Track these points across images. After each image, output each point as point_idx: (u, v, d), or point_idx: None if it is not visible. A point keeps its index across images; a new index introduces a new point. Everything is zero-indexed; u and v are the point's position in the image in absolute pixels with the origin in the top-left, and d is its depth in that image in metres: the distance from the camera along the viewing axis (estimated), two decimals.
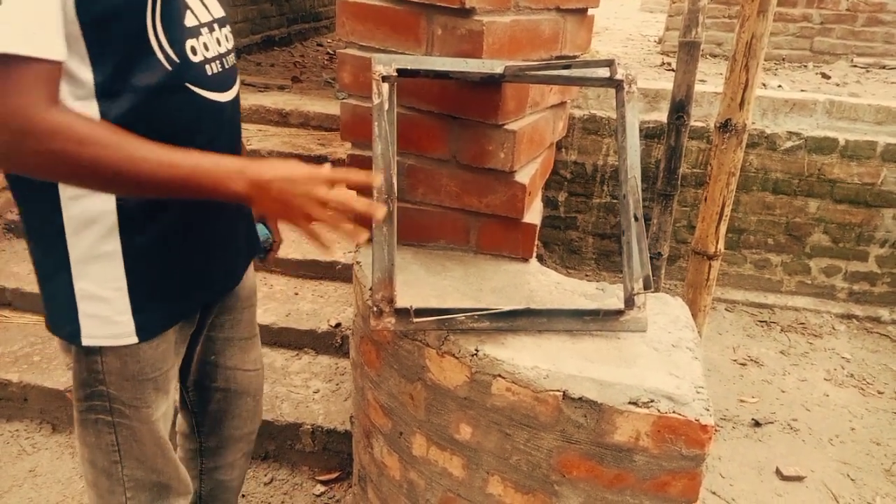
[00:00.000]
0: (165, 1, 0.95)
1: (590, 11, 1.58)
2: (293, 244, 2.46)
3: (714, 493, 2.14)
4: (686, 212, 3.50)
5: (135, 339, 1.07)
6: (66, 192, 0.99)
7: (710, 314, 3.39)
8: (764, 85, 3.97)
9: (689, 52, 2.76)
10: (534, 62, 1.36)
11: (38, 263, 1.07)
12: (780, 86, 4.07)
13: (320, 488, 1.92)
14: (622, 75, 1.26)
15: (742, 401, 2.68)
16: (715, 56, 4.83)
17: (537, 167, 1.54)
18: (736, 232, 3.46)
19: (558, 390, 1.11)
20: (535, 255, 1.55)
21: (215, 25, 1.08)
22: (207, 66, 1.05)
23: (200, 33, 1.04)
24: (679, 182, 2.91)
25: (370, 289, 1.24)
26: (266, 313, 2.26)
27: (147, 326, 1.08)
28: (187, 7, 1.01)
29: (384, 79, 1.20)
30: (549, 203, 3.56)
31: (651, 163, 3.36)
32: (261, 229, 1.46)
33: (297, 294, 2.41)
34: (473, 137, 1.37)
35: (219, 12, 1.11)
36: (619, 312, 1.25)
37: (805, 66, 4.83)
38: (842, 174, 3.27)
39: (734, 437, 2.45)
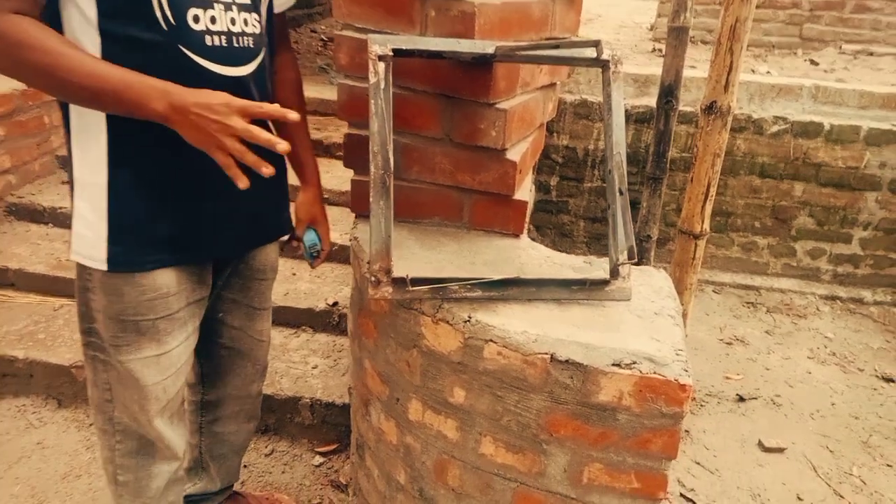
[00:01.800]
0: None
1: None
2: None
3: (698, 463, 2.22)
4: (675, 195, 3.56)
5: (104, 267, 1.15)
6: (74, 124, 1.12)
7: (699, 295, 3.47)
8: (753, 71, 4.03)
9: (677, 36, 2.81)
10: (524, 43, 1.41)
11: (69, 185, 1.20)
12: (768, 72, 4.13)
13: (319, 459, 1.99)
14: (608, 55, 1.32)
15: (727, 378, 2.76)
16: (706, 43, 4.88)
17: (528, 146, 1.59)
18: (723, 215, 3.53)
19: (546, 353, 1.17)
20: (525, 231, 1.61)
21: (234, 7, 1.15)
22: (207, 37, 1.11)
23: (212, 7, 1.11)
24: (668, 165, 2.97)
25: (367, 262, 1.30)
26: None
27: (118, 260, 1.15)
28: None
29: (380, 58, 1.25)
30: (541, 187, 3.61)
31: (641, 147, 3.42)
32: (310, 236, 1.51)
33: (294, 274, 2.47)
34: (466, 116, 1.42)
35: None
36: (605, 282, 1.31)
37: (794, 53, 4.89)
38: (827, 158, 3.34)
39: (719, 411, 2.53)
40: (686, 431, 2.37)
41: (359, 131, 1.53)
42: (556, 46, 1.35)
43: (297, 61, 1.49)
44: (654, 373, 1.14)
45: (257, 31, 1.21)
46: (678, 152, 3.44)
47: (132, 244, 1.15)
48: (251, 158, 1.02)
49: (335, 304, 2.31)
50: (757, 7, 5.27)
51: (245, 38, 1.18)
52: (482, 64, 1.36)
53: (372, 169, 1.24)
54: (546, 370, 1.18)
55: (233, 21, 1.15)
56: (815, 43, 4.88)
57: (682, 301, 2.48)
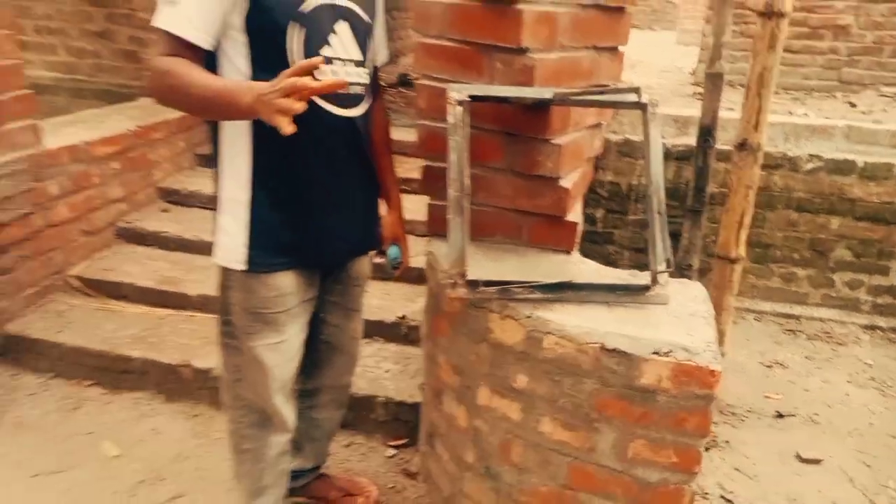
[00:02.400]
0: (308, 36, 1.35)
1: (620, 48, 1.88)
2: None
3: (738, 470, 2.36)
4: (715, 228, 3.72)
5: (243, 268, 1.43)
6: (224, 154, 1.40)
7: (740, 323, 3.61)
8: (790, 113, 4.21)
9: (713, 82, 3.04)
10: (575, 89, 1.66)
11: (215, 203, 1.48)
12: (805, 114, 4.30)
13: (391, 451, 2.22)
14: (647, 99, 1.56)
15: (767, 397, 2.89)
16: (745, 86, 5.07)
17: (578, 176, 1.83)
18: (762, 247, 3.68)
19: (597, 343, 1.39)
20: (576, 249, 1.84)
21: (349, 63, 1.44)
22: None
23: (332, 63, 1.40)
24: (707, 199, 3.17)
25: (443, 270, 1.56)
26: None
27: (255, 261, 1.43)
28: (327, 44, 1.39)
29: (459, 103, 1.52)
30: (587, 219, 3.84)
31: (682, 182, 3.62)
32: (393, 251, 1.77)
33: (366, 292, 2.74)
34: (526, 150, 1.67)
35: (357, 56, 1.46)
36: (646, 288, 1.53)
37: (833, 96, 5.02)
38: (861, 194, 3.48)
39: (759, 426, 2.66)
40: (726, 441, 2.51)
41: (435, 164, 1.79)
42: (602, 92, 1.60)
43: (386, 107, 1.77)
44: (688, 360, 1.34)
45: (366, 82, 1.50)
46: (717, 187, 3.61)
47: (265, 250, 1.43)
48: (298, 106, 1.13)
49: (403, 317, 2.57)
50: (795, 52, 5.43)
51: (357, 87, 1.47)
52: (540, 107, 1.62)
53: (451, 192, 1.50)
54: (597, 357, 1.40)
55: (348, 74, 1.44)
56: (853, 86, 5.01)
57: (721, 321, 2.64)
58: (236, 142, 1.39)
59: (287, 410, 1.60)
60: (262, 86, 1.18)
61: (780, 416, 2.73)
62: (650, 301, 1.53)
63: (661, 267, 1.52)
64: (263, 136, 1.36)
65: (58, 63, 3.99)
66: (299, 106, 1.13)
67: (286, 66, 1.33)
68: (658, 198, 1.54)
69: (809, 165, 3.48)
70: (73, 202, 2.77)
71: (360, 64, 1.48)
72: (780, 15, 2.03)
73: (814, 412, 2.80)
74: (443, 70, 1.71)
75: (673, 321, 1.47)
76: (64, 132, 2.87)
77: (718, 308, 2.57)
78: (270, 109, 1.14)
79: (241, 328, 1.49)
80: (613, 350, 1.38)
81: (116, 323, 2.61)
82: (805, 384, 3.04)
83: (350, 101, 1.46)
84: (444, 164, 1.60)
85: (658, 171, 1.55)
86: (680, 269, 3.15)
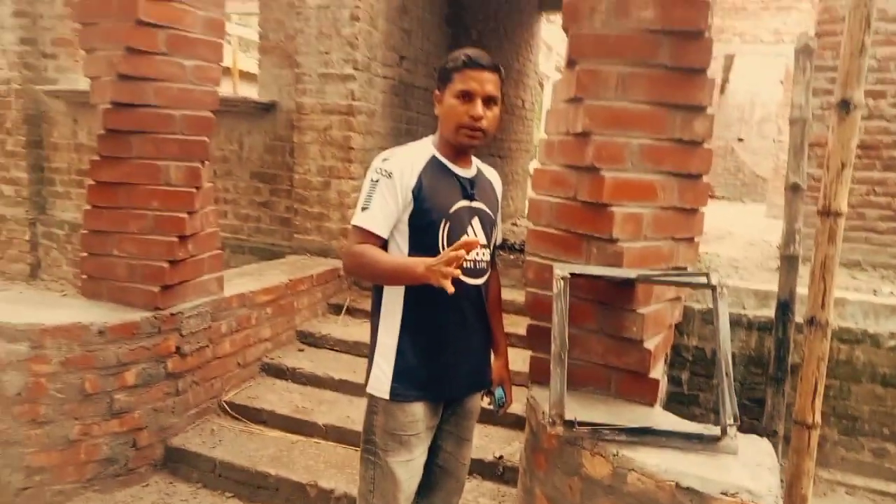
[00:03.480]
0: (451, 228, 1.81)
1: (696, 239, 2.25)
2: None
3: None
4: None
5: (388, 397, 1.81)
6: (383, 312, 1.85)
7: (830, 496, 3.56)
8: (875, 292, 4.33)
9: (789, 262, 3.34)
10: (656, 271, 2.03)
11: (370, 346, 1.89)
12: (892, 293, 4.41)
13: None
14: (716, 282, 1.91)
15: None
16: None
17: (660, 340, 2.14)
18: (850, 419, 3.69)
19: (673, 481, 1.64)
20: (658, 403, 2.10)
21: (479, 247, 1.89)
22: (465, 262, 1.83)
23: None
24: (788, 367, 3.33)
25: (543, 412, 1.87)
26: None
27: (397, 392, 1.81)
28: (465, 233, 1.83)
29: (562, 279, 1.92)
30: (674, 381, 4.01)
31: (765, 352, 3.78)
32: (500, 392, 2.11)
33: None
34: (615, 317, 2.02)
35: (483, 241, 1.89)
36: (717, 438, 1.77)
37: None
38: None
39: None
40: None
41: (538, 323, 2.15)
42: (679, 275, 1.97)
43: (499, 276, 2.19)
44: (752, 502, 1.57)
45: (488, 259, 1.95)
46: (800, 358, 3.74)
47: (405, 384, 1.81)
48: (451, 272, 1.53)
49: (501, 457, 2.82)
50: (882, 233, 5.62)
51: (482, 263, 1.90)
52: (628, 283, 1.99)
53: (553, 347, 1.86)
54: (672, 493, 1.63)
55: (477, 253, 1.88)
56: None
57: (801, 485, 2.71)
58: (392, 304, 1.83)
59: None
60: (430, 259, 1.60)
61: None
62: (720, 450, 1.77)
63: (730, 421, 1.77)
64: (412, 301, 1.81)
65: (226, 225, 4.81)
66: (458, 272, 1.54)
67: (436, 248, 1.80)
68: (726, 361, 1.83)
69: (892, 342, 3.58)
70: (235, 339, 3.32)
71: (485, 246, 1.92)
72: (838, 214, 2.35)
73: None
74: (549, 251, 2.13)
75: (740, 468, 1.70)
76: (234, 282, 3.49)
77: (798, 472, 2.66)
78: (438, 275, 1.55)
79: (380, 446, 1.84)
80: (687, 488, 1.62)
81: (257, 443, 3.01)
82: None
83: (477, 273, 1.89)
84: (547, 324, 1.99)
85: (725, 339, 1.85)
86: (766, 435, 3.24)
